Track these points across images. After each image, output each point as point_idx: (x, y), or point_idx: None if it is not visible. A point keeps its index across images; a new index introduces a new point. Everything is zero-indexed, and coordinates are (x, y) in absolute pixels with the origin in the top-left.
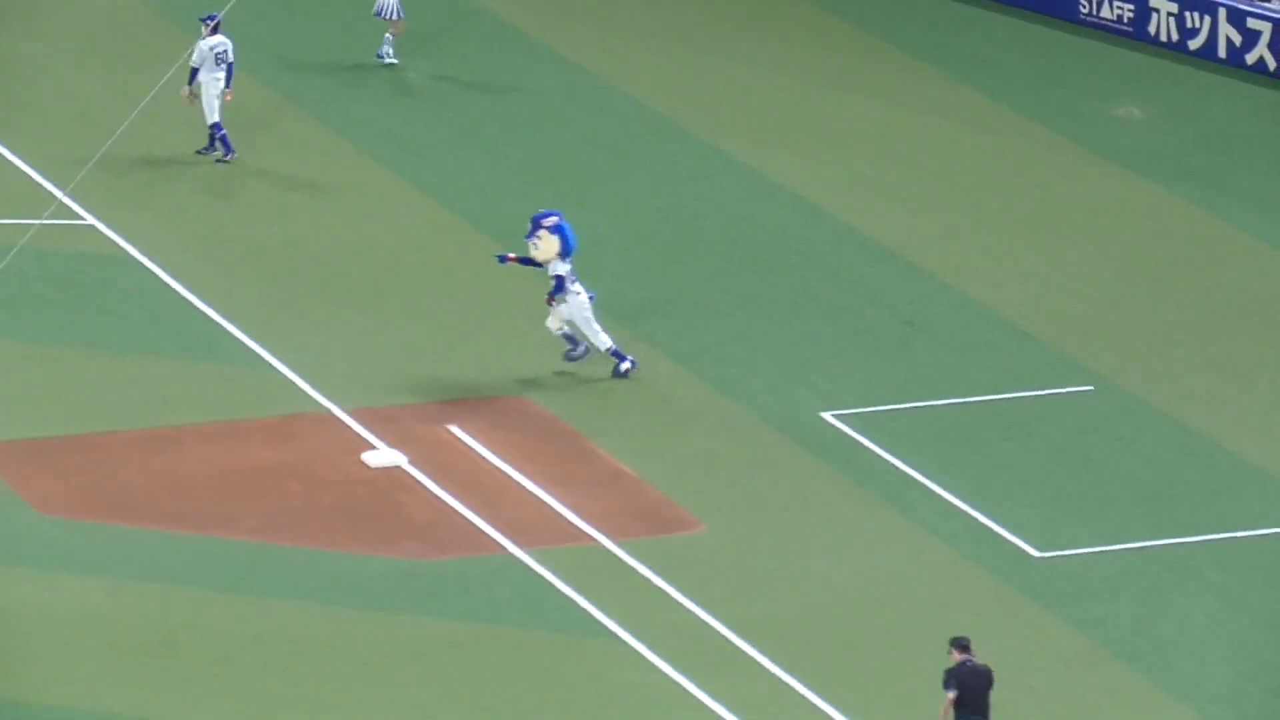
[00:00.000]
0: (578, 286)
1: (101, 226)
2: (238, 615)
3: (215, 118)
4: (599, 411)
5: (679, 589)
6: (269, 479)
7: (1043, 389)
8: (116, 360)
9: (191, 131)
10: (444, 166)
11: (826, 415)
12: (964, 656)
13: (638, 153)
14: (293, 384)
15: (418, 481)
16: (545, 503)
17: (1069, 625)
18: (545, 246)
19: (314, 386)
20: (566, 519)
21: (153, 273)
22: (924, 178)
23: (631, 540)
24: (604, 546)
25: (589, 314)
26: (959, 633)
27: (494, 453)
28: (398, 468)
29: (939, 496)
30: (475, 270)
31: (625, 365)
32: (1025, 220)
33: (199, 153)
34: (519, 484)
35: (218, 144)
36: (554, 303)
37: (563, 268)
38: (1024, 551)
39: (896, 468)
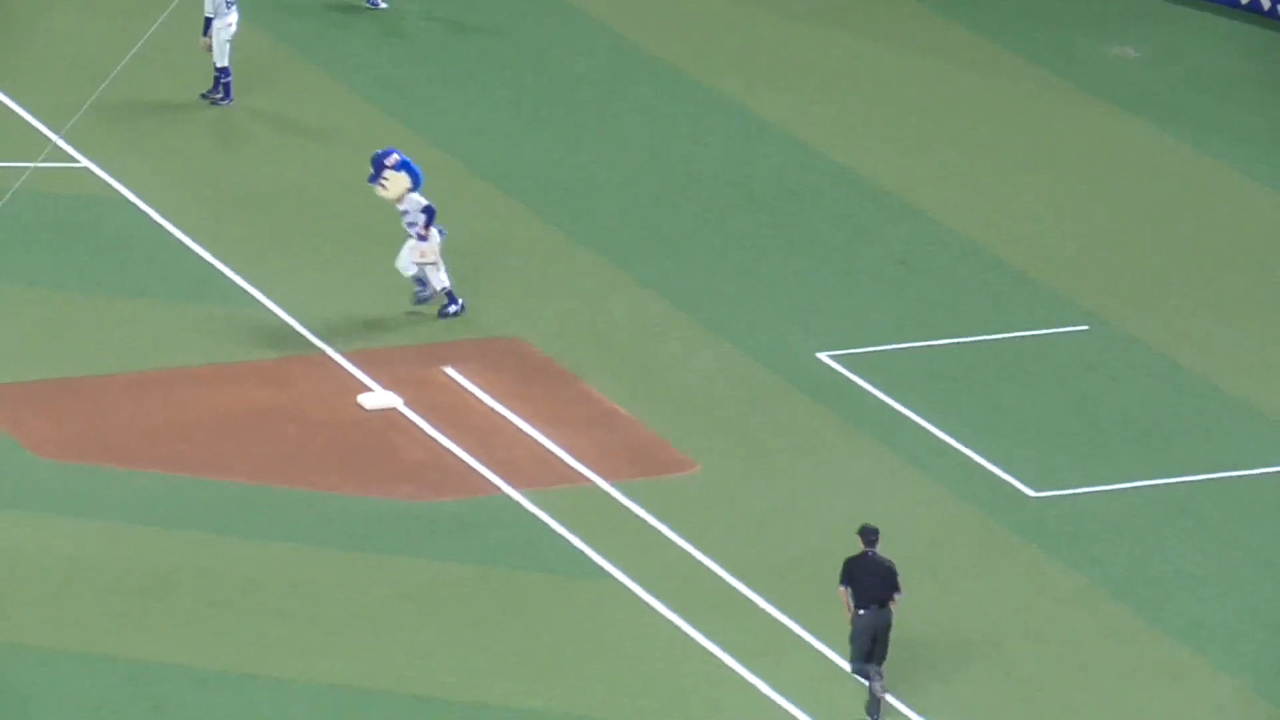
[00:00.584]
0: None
1: (96, 169)
2: (234, 558)
3: (224, 62)
4: (593, 353)
5: (674, 529)
6: (264, 421)
7: (1038, 329)
8: (110, 302)
9: (187, 76)
10: (436, 108)
11: (822, 355)
12: (865, 548)
13: (630, 93)
14: (287, 326)
15: (412, 423)
16: (540, 444)
17: (1065, 565)
18: (394, 185)
19: (308, 329)
20: (561, 460)
21: (146, 215)
22: (918, 117)
23: (626, 481)
24: (599, 487)
25: (440, 250)
26: (953, 571)
27: (488, 394)
28: (393, 409)
29: (934, 436)
30: (469, 211)
31: (454, 308)
32: (1020, 159)
33: (203, 96)
34: (513, 425)
35: (220, 88)
36: (425, 235)
37: (422, 200)
38: (1019, 491)
39: (891, 408)
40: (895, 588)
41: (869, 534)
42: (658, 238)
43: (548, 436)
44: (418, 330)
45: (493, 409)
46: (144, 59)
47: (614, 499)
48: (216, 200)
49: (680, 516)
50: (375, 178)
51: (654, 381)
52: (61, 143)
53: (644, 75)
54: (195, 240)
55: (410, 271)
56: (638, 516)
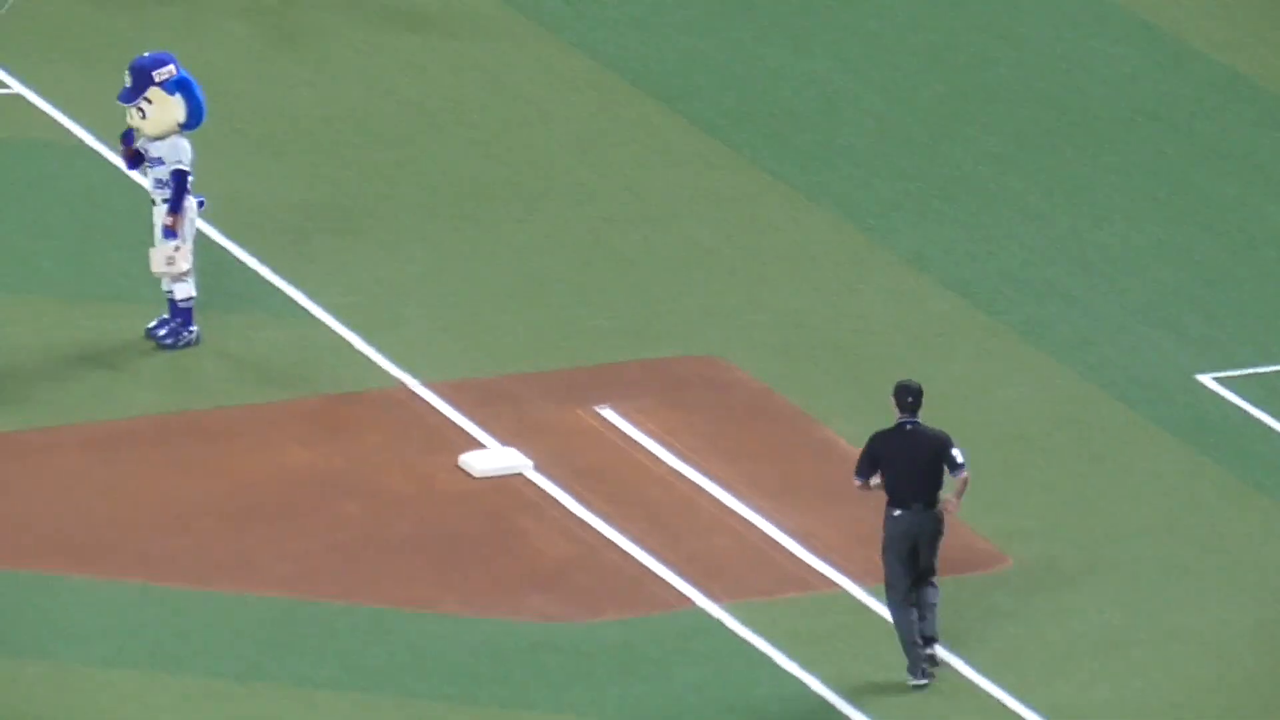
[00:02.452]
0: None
1: (31, 95)
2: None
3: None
4: (836, 376)
5: (975, 665)
6: (310, 496)
7: None
8: (66, 308)
9: None
10: None
11: (1203, 378)
12: (901, 417)
13: None
14: (343, 342)
15: (548, 496)
16: (753, 525)
17: None
18: (159, 113)
19: (376, 346)
20: (789, 552)
21: (115, 167)
22: None
23: None
24: (850, 595)
25: (193, 230)
26: None
27: (668, 448)
28: (516, 475)
29: None
30: (627, 149)
31: (187, 335)
32: None
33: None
34: (712, 496)
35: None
36: (173, 224)
37: (185, 154)
38: None
39: None
40: (950, 467)
41: (909, 394)
42: (936, 190)
43: (766, 515)
44: (553, 346)
45: (677, 471)
46: None
47: (876, 614)
48: (220, 140)
49: (984, 644)
50: (133, 96)
51: (937, 421)
52: None
53: None
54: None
55: (165, 283)
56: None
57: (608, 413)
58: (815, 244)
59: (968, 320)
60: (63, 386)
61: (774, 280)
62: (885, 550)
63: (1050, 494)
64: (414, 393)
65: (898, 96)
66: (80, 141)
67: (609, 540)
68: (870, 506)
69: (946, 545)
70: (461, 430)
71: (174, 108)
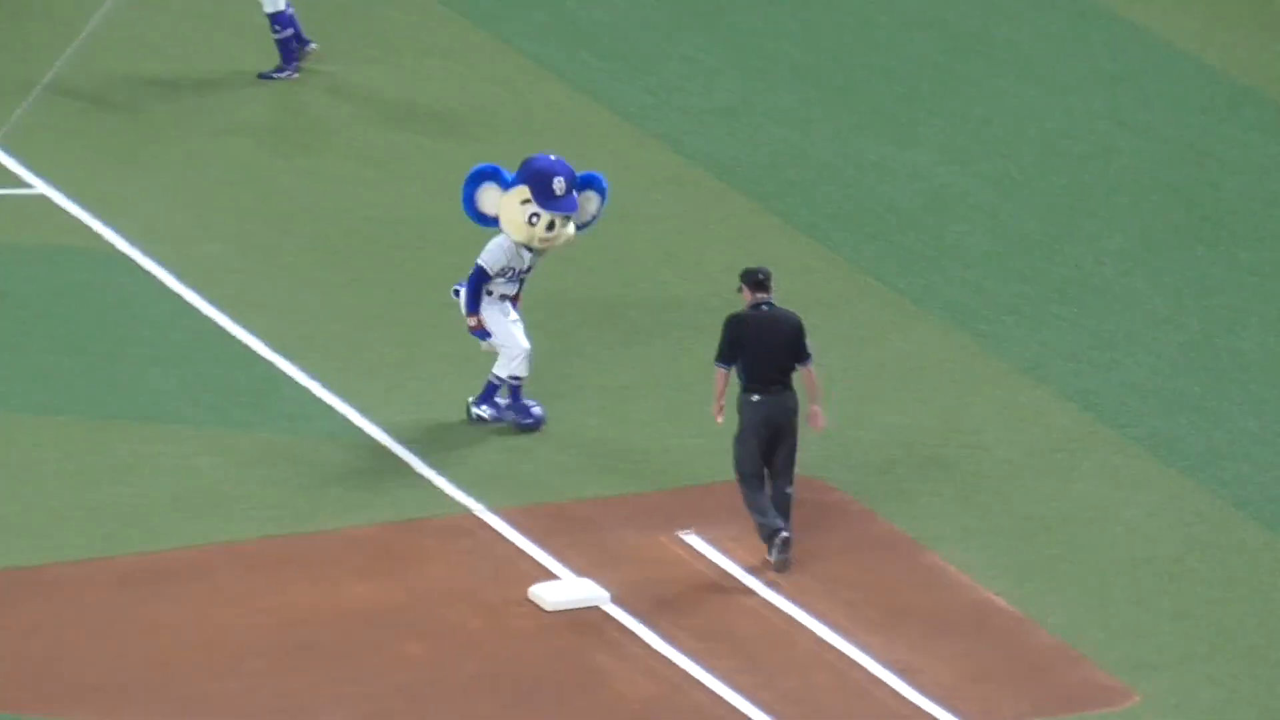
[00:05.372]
0: None
1: (57, 196)
2: None
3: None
4: (946, 498)
5: None
6: (369, 634)
7: None
8: (98, 430)
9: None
10: (659, 76)
11: None
12: (753, 298)
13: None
14: (401, 462)
15: (628, 631)
16: (858, 663)
17: None
18: (584, 211)
19: (437, 467)
20: (896, 690)
21: (150, 275)
22: None
23: None
24: None
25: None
26: None
27: (760, 577)
28: (593, 609)
29: None
30: (715, 251)
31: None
32: None
33: (263, 77)
34: (809, 630)
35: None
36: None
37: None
38: None
39: None
40: (802, 355)
41: (760, 273)
42: (1054, 293)
43: (868, 649)
44: (633, 467)
45: (770, 603)
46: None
47: None
48: (268, 243)
49: None
50: (567, 203)
51: (1060, 548)
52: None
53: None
54: (220, 305)
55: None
56: None
57: (693, 539)
58: (922, 353)
59: (1090, 435)
60: (94, 516)
61: (877, 393)
62: (742, 439)
63: (1182, 623)
64: (481, 520)
65: (1011, 191)
66: (112, 247)
67: (695, 679)
68: (986, 640)
69: (1067, 678)
70: (533, 560)
71: (592, 202)
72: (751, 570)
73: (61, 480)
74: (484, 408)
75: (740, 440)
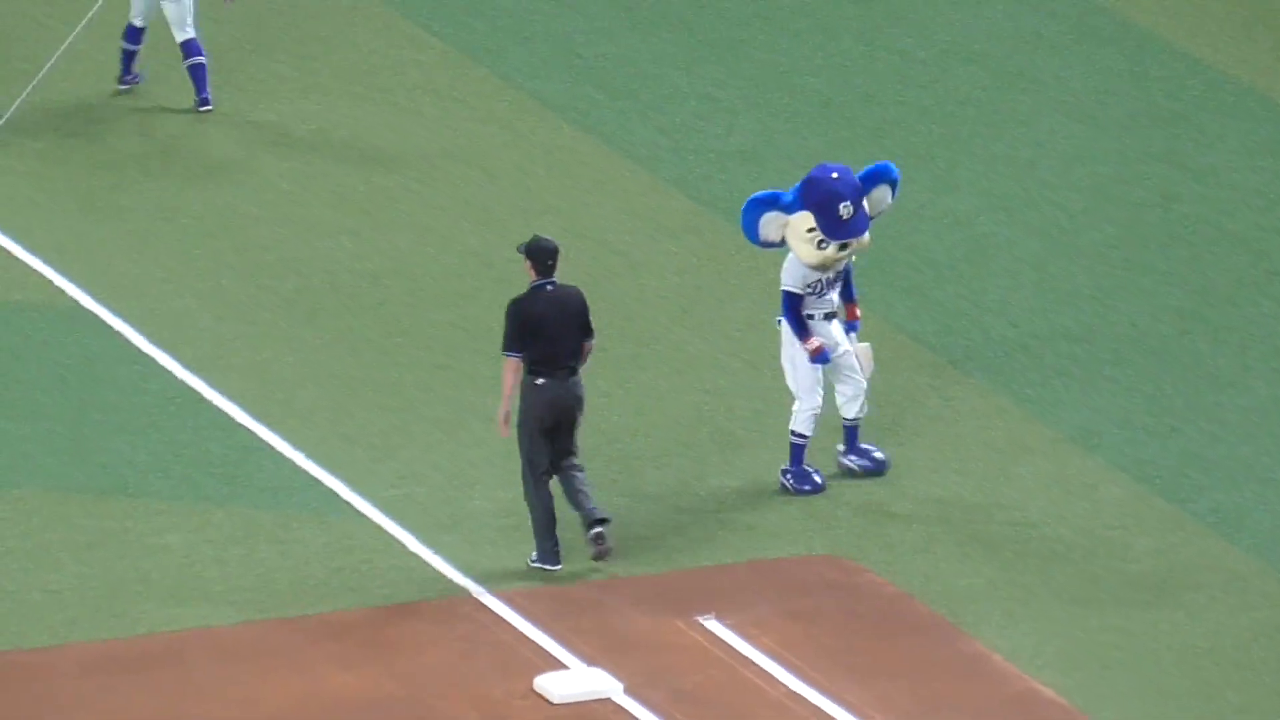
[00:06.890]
0: None
1: (14, 248)
2: None
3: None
4: (989, 579)
5: None
6: None
7: None
8: (59, 503)
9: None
10: (682, 112)
11: None
12: (537, 277)
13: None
14: (392, 540)
15: None
16: None
17: None
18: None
19: (432, 545)
20: None
21: (117, 334)
22: None
23: None
24: None
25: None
26: None
27: (787, 666)
28: (604, 701)
29: None
30: (735, 306)
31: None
32: None
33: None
34: None
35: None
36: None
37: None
38: None
39: None
40: (587, 331)
41: (548, 255)
42: (1107, 354)
43: None
44: (646, 545)
45: (797, 694)
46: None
47: None
48: (244, 299)
49: None
50: (856, 225)
51: (1113, 635)
52: None
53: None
54: (201, 375)
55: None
56: None
57: (713, 625)
58: (962, 420)
59: (1146, 510)
60: (57, 598)
61: (913, 464)
62: (524, 424)
63: (1247, 718)
64: (480, 602)
65: (1059, 241)
66: (74, 303)
67: None
68: None
69: None
70: (538, 647)
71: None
72: (776, 658)
73: (19, 560)
74: (788, 479)
75: (522, 426)
